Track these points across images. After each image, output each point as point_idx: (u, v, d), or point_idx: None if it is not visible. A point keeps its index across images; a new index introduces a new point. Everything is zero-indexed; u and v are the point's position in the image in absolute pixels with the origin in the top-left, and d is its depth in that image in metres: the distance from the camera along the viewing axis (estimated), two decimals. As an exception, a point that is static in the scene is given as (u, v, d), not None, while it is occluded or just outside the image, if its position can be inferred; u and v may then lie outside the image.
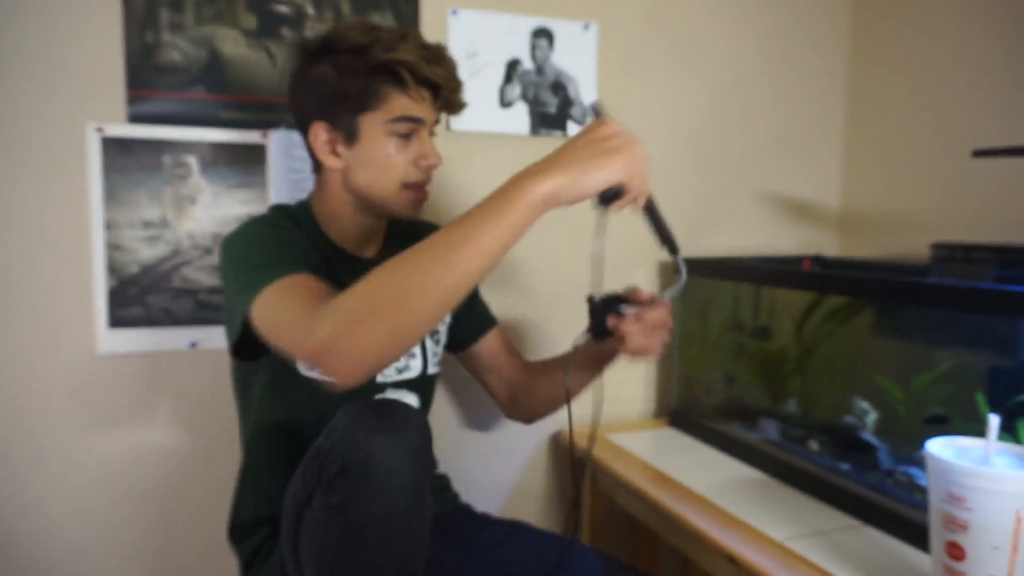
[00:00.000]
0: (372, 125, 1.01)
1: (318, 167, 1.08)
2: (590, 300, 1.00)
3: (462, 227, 0.78)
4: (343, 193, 1.06)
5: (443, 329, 1.21)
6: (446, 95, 1.05)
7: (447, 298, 0.77)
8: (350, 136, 1.02)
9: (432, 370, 1.18)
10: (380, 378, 1.11)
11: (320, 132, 1.03)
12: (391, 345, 0.77)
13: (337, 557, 0.80)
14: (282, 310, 0.85)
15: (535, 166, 0.80)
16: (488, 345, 1.27)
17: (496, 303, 1.51)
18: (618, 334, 0.98)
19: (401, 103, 1.01)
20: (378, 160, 1.02)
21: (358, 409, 0.82)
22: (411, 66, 1.00)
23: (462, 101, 1.09)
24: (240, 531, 1.10)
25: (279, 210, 1.09)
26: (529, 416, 1.28)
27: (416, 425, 0.82)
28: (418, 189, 1.06)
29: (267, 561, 1.04)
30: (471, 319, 1.27)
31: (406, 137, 1.03)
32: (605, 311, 0.98)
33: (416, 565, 0.84)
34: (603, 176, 0.80)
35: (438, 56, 1.03)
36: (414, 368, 1.15)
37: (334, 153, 1.04)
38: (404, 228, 1.21)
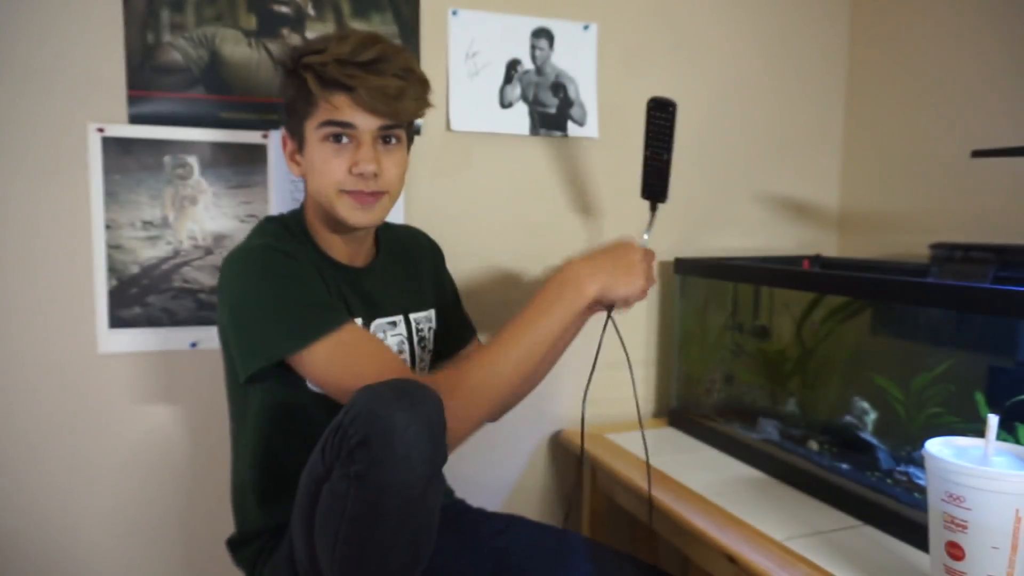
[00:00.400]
0: (310, 131, 1.03)
1: None
2: None
3: (540, 317, 0.98)
4: (312, 202, 1.08)
5: (430, 336, 1.22)
6: (364, 99, 0.98)
7: (535, 370, 1.02)
8: (301, 143, 1.05)
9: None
10: None
11: (286, 140, 1.08)
12: (490, 418, 1.01)
13: (354, 527, 0.82)
14: (351, 375, 0.93)
15: (588, 266, 1.01)
16: (470, 352, 1.28)
17: (490, 306, 1.51)
18: None
19: (325, 108, 1.00)
20: (316, 166, 1.03)
21: (378, 387, 0.84)
22: (317, 69, 0.98)
23: (399, 108, 1.01)
24: (240, 542, 1.11)
25: (276, 225, 1.08)
26: (500, 411, 1.30)
27: (434, 402, 0.84)
28: (357, 197, 1.03)
29: (271, 557, 1.05)
30: (455, 332, 1.28)
31: (340, 143, 1.02)
32: None
33: (427, 541, 0.86)
34: (628, 292, 1.04)
35: (367, 59, 0.98)
36: None
37: (294, 160, 1.08)
38: (395, 235, 1.21)
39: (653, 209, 1.16)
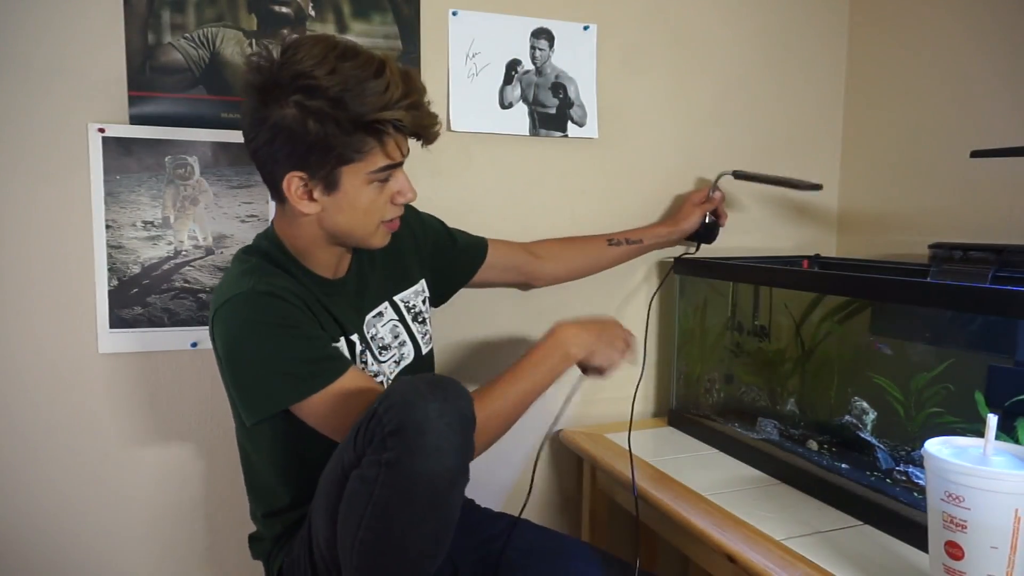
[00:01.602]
0: (354, 175, 0.99)
1: (282, 198, 1.01)
2: (710, 223, 1.54)
3: (533, 375, 1.06)
4: (316, 230, 1.04)
5: (425, 307, 1.22)
6: (416, 134, 1.03)
7: (521, 415, 1.06)
8: (329, 185, 0.99)
9: (425, 349, 1.20)
10: (391, 370, 1.13)
11: (295, 181, 0.98)
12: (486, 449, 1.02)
13: (379, 512, 0.83)
14: (352, 422, 0.91)
15: (576, 334, 1.09)
16: (495, 259, 1.33)
17: (488, 307, 1.51)
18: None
19: (380, 154, 0.99)
20: (359, 206, 1.01)
21: (413, 380, 0.87)
22: (400, 124, 0.97)
23: (438, 130, 1.05)
24: (257, 539, 1.13)
25: (257, 258, 1.04)
26: (553, 280, 1.44)
27: (466, 398, 0.87)
28: (392, 223, 1.07)
29: (286, 545, 1.07)
30: (466, 255, 1.30)
31: (385, 180, 1.02)
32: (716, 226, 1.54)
33: (447, 536, 0.88)
34: (604, 362, 1.12)
35: (420, 100, 0.99)
36: (408, 354, 1.16)
37: (310, 199, 1.00)
38: None
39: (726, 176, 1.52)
